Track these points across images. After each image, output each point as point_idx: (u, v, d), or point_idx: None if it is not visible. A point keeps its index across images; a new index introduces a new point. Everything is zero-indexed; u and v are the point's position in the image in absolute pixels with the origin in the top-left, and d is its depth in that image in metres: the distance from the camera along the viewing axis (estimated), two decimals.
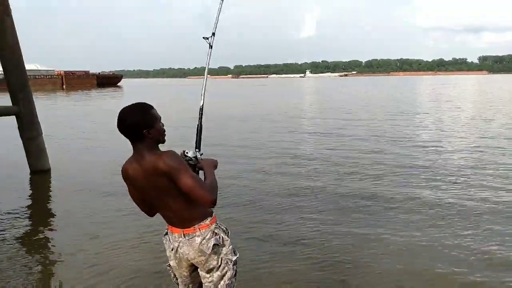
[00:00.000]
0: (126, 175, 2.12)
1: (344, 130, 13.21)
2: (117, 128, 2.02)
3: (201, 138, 2.46)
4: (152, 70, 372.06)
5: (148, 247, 4.35)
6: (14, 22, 7.11)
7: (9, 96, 7.44)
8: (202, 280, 2.30)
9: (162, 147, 2.10)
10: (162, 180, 2.01)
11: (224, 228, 2.28)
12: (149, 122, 2.00)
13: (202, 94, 2.52)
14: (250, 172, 7.65)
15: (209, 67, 2.71)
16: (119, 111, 2.02)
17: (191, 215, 2.14)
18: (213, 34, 2.69)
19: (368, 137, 11.74)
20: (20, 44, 7.23)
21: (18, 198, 6.36)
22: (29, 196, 6.71)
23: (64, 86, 67.21)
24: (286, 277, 3.69)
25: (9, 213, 5.64)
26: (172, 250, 2.25)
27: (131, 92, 49.12)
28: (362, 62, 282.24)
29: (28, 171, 7.68)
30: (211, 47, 2.66)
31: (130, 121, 1.99)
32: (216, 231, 2.21)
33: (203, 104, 2.54)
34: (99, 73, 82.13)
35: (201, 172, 2.25)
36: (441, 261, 3.97)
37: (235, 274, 2.30)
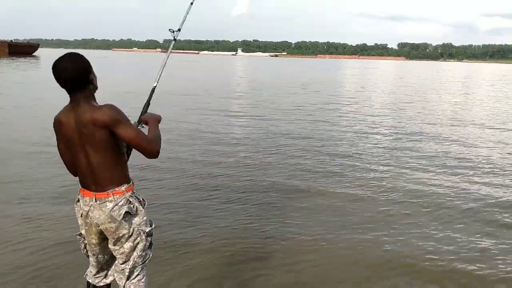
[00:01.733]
0: (58, 124, 2.09)
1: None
2: (56, 78, 1.99)
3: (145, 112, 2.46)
4: (73, 40, 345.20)
5: (63, 217, 4.30)
6: None
7: None
8: (113, 253, 2.25)
9: None
10: (98, 132, 1.99)
11: (141, 199, 2.23)
12: (91, 70, 2.06)
13: (158, 76, 2.60)
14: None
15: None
16: (57, 59, 2.01)
17: (109, 176, 2.08)
18: (179, 29, 2.81)
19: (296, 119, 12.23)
20: None
21: None
22: None
23: None
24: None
25: None
26: (81, 216, 2.18)
27: (50, 63, 45.09)
28: (292, 43, 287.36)
29: None
30: (174, 40, 2.76)
31: (80, 65, 2.00)
32: (130, 199, 2.14)
33: (156, 86, 2.60)
34: (11, 40, 74.19)
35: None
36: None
37: (150, 246, 2.26)
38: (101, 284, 2.37)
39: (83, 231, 2.24)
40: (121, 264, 2.22)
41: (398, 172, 6.50)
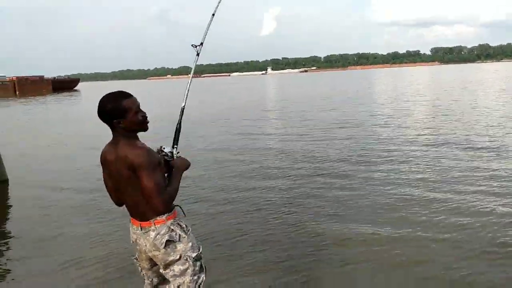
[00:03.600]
0: (103, 158, 2.21)
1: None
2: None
3: (179, 136, 2.53)
4: (110, 72, 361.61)
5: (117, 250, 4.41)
6: None
7: None
8: (166, 276, 2.31)
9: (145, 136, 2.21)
10: (127, 170, 2.08)
11: (184, 225, 2.27)
12: (119, 112, 2.07)
13: (185, 96, 2.62)
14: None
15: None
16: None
17: (149, 208, 2.14)
18: (202, 44, 2.80)
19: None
20: None
21: None
22: None
23: (17, 93, 64.03)
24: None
25: None
26: (132, 242, 2.33)
27: (90, 96, 47.56)
28: (321, 57, 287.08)
29: None
30: (198, 55, 2.79)
31: (102, 110, 2.09)
32: (172, 227, 2.20)
33: (184, 105, 2.62)
34: (55, 77, 78.93)
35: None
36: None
37: (202, 270, 2.30)
38: None
39: (137, 255, 2.39)
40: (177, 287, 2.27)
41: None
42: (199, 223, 4.94)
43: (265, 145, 10.51)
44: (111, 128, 2.15)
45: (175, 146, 2.44)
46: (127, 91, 2.17)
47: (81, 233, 5.02)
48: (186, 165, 2.35)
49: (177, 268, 2.23)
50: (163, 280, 2.40)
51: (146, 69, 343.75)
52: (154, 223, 2.17)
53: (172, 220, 2.22)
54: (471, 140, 9.48)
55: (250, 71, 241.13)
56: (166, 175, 2.26)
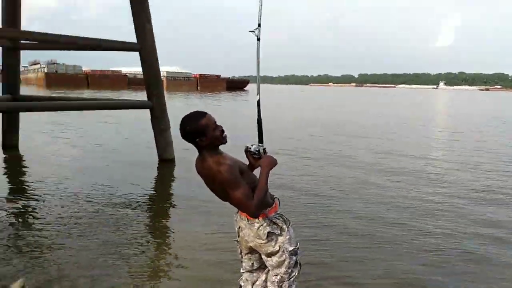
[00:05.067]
0: (197, 171, 2.37)
1: None
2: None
3: (262, 132, 2.52)
4: (276, 76, 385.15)
5: None
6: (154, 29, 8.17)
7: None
8: (265, 263, 2.46)
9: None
10: (217, 185, 2.27)
11: (285, 218, 2.44)
12: (199, 131, 2.21)
13: (257, 89, 2.58)
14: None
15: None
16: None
17: None
18: (259, 25, 2.55)
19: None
20: (157, 48, 8.22)
21: (146, 182, 7.29)
22: (155, 179, 7.73)
23: (198, 88, 74.17)
24: None
25: (135, 194, 6.41)
26: (238, 228, 2.46)
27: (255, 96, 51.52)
28: (508, 75, 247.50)
29: (157, 158, 8.58)
30: (258, 39, 2.55)
31: (183, 131, 2.26)
32: (274, 220, 2.38)
33: (259, 99, 2.59)
34: (229, 77, 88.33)
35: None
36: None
37: (296, 265, 2.44)
38: None
39: (238, 238, 2.52)
40: (272, 276, 2.44)
41: None
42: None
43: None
44: (195, 146, 2.29)
45: (260, 144, 2.47)
46: (202, 110, 2.31)
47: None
48: (272, 163, 2.37)
49: (275, 259, 2.38)
50: (263, 265, 2.54)
51: (309, 75, 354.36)
52: (258, 217, 2.33)
53: (274, 214, 2.40)
54: None
55: (419, 84, 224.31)
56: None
